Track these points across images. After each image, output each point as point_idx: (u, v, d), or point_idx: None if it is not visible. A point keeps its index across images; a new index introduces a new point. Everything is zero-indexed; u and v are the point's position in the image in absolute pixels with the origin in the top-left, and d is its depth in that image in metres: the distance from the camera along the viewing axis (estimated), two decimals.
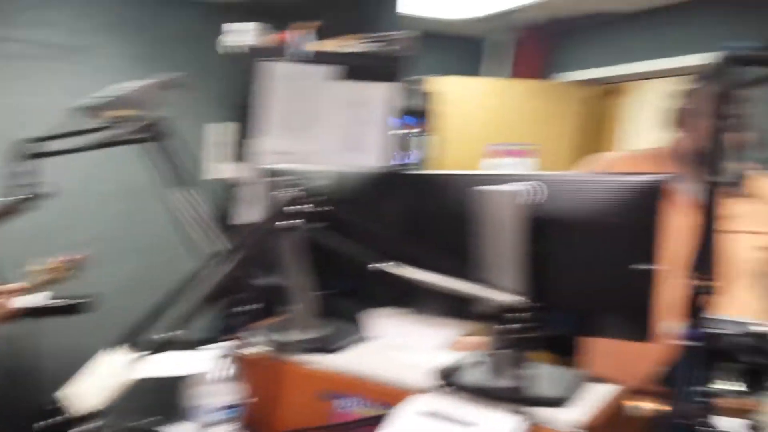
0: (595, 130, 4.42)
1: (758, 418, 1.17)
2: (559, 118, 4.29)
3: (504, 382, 1.14)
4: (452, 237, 1.22)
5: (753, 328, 1.10)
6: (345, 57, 2.62)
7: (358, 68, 2.63)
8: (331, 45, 2.68)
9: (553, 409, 1.08)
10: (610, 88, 4.41)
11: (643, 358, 1.45)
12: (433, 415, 1.10)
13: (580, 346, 1.80)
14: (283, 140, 2.56)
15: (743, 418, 1.14)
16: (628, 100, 4.43)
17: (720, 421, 1.07)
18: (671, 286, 1.07)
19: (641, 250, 1.08)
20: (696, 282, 1.06)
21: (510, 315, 1.10)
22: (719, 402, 1.07)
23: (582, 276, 1.14)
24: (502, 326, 1.12)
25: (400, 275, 1.12)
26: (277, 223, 1.21)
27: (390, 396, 1.21)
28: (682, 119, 1.86)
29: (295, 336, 1.41)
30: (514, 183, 1.12)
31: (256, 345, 1.42)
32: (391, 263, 1.13)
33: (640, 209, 1.09)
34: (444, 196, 1.25)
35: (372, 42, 2.69)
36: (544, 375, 1.16)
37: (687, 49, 3.62)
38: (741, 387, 1.09)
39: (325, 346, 1.40)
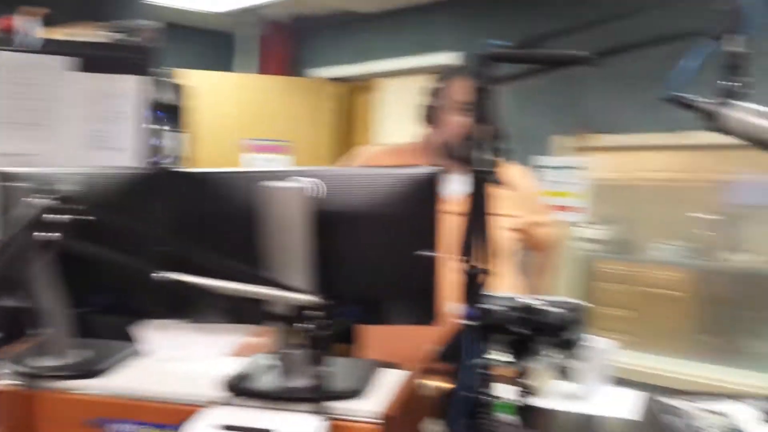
0: (348, 126, 4.58)
1: (527, 383, 1.28)
2: (312, 113, 4.36)
3: (298, 382, 1.11)
4: (233, 238, 1.15)
5: (519, 302, 1.19)
6: (83, 47, 2.37)
7: (99, 59, 2.40)
8: (64, 33, 2.40)
9: (351, 401, 1.08)
10: (361, 85, 4.59)
11: (418, 339, 1.51)
12: (227, 428, 1.02)
13: (357, 334, 1.84)
14: (12, 140, 2.24)
15: (515, 385, 1.24)
16: (378, 96, 4.65)
17: (498, 390, 1.15)
18: (449, 270, 1.13)
19: (423, 238, 1.11)
20: (470, 264, 1.12)
21: (303, 314, 1.07)
22: (497, 372, 1.15)
23: (370, 267, 1.14)
24: (294, 326, 1.08)
25: (176, 282, 1.03)
26: (27, 236, 1.05)
27: (173, 414, 1.11)
28: (430, 115, 1.99)
29: (49, 362, 1.24)
30: (295, 179, 1.09)
31: (2, 377, 1.22)
32: (165, 270, 1.04)
33: (419, 199, 1.13)
34: (221, 194, 1.18)
35: (113, 31, 2.47)
36: (338, 369, 1.15)
37: (431, 49, 3.90)
38: (511, 357, 1.19)
39: (88, 368, 1.25)
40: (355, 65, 4.29)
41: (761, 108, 1.02)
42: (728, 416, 1.51)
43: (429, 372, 1.32)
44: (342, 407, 1.06)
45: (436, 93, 2.00)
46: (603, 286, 3.78)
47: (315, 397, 1.07)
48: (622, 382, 1.72)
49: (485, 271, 1.12)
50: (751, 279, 3.41)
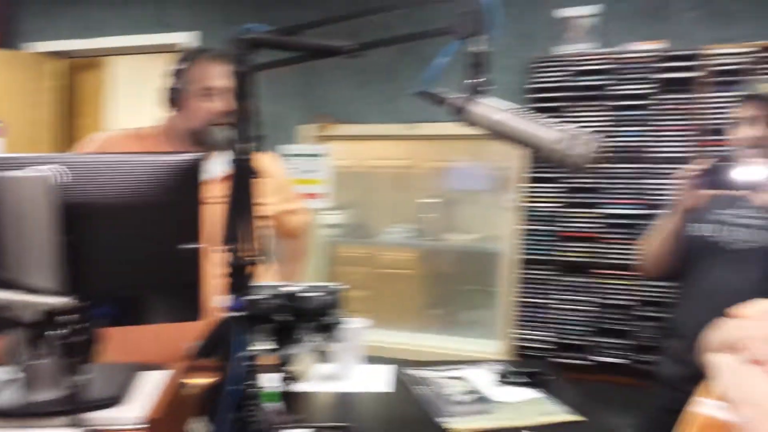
0: (72, 107, 4.15)
1: (291, 369, 1.28)
2: (28, 92, 3.87)
3: (46, 395, 0.98)
4: None
5: (282, 290, 1.19)
6: None
7: None
8: None
9: (111, 409, 0.99)
10: (87, 62, 4.17)
11: (175, 336, 1.44)
12: None
13: (99, 335, 1.68)
14: None
15: (279, 372, 1.24)
16: (108, 75, 4.27)
17: (264, 379, 1.14)
18: (212, 261, 1.09)
19: (185, 229, 1.06)
20: (236, 255, 1.09)
21: (52, 318, 0.95)
22: (262, 361, 1.14)
23: (127, 262, 1.05)
24: (42, 332, 0.96)
25: None
26: None
27: None
28: (174, 98, 1.88)
29: None
30: (34, 167, 0.97)
31: None
32: None
33: (180, 188, 1.07)
34: None
35: None
36: (92, 376, 1.05)
37: (164, 27, 3.67)
38: (275, 344, 1.19)
39: None
40: (78, 40, 3.88)
41: (499, 103, 1.13)
42: (468, 380, 1.68)
43: (192, 369, 1.26)
44: (101, 417, 0.97)
45: (179, 75, 1.89)
46: (343, 269, 3.94)
47: (68, 409, 0.96)
48: (370, 359, 1.82)
49: (252, 262, 1.10)
50: (465, 256, 3.81)
